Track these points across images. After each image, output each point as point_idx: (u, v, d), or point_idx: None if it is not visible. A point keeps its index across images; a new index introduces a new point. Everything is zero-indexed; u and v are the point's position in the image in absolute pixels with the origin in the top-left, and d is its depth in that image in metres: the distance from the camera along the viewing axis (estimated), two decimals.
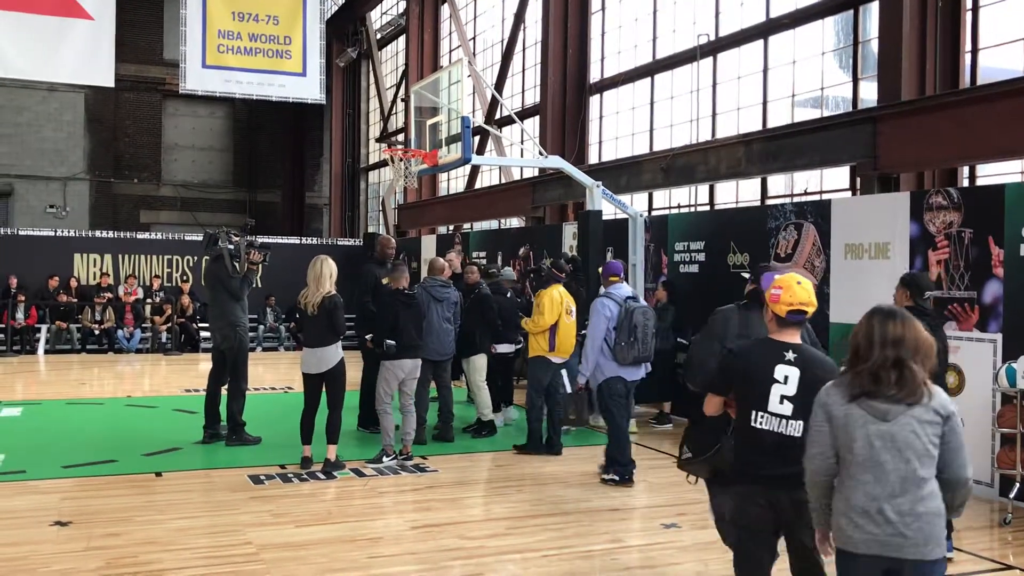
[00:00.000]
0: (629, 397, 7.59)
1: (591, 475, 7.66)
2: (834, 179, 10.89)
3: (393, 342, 7.76)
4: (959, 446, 3.23)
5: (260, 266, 8.91)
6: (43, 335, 17.40)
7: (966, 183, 9.27)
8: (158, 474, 7.54)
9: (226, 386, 8.89)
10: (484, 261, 14.91)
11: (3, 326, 17.14)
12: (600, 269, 8.47)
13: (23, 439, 8.93)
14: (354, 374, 9.12)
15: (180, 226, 29.26)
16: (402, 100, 21.82)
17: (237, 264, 8.74)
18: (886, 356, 3.26)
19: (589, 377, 7.51)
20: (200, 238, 8.99)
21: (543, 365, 8.37)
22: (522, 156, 17.60)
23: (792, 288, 3.91)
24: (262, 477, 7.46)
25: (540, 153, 12.37)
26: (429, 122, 11.11)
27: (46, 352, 17.21)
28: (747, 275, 5.66)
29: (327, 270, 7.64)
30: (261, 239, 9.37)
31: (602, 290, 7.81)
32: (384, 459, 7.87)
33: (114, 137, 30.47)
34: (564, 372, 8.64)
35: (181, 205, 31.55)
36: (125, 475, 7.50)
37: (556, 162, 11.56)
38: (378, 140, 24.77)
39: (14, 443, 8.70)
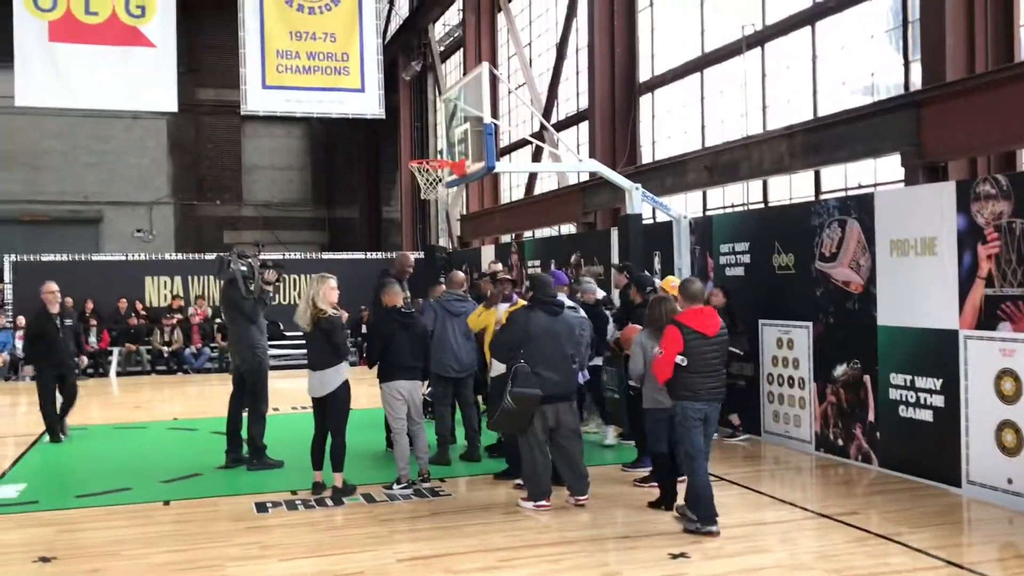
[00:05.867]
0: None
1: (605, 499, 7.20)
2: (887, 170, 10.12)
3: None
4: None
5: (274, 286, 8.76)
6: (115, 357, 17.81)
7: None
8: (166, 503, 7.42)
9: (247, 410, 8.77)
10: (538, 269, 14.55)
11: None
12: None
13: (51, 467, 9.00)
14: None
15: (265, 247, 29.73)
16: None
17: (251, 285, 8.61)
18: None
19: None
20: (214, 259, 8.89)
21: None
22: (580, 161, 17.13)
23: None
24: (268, 505, 7.25)
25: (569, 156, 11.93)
26: (457, 130, 10.82)
27: (118, 375, 17.59)
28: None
29: (321, 290, 7.35)
30: (273, 257, 9.24)
31: None
32: (395, 486, 7.55)
33: (196, 161, 31.25)
34: None
35: (263, 224, 32.12)
36: (133, 504, 7.39)
37: (592, 165, 11.11)
38: (440, 152, 24.66)
39: (41, 471, 8.77)
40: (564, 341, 6.98)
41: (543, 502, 6.97)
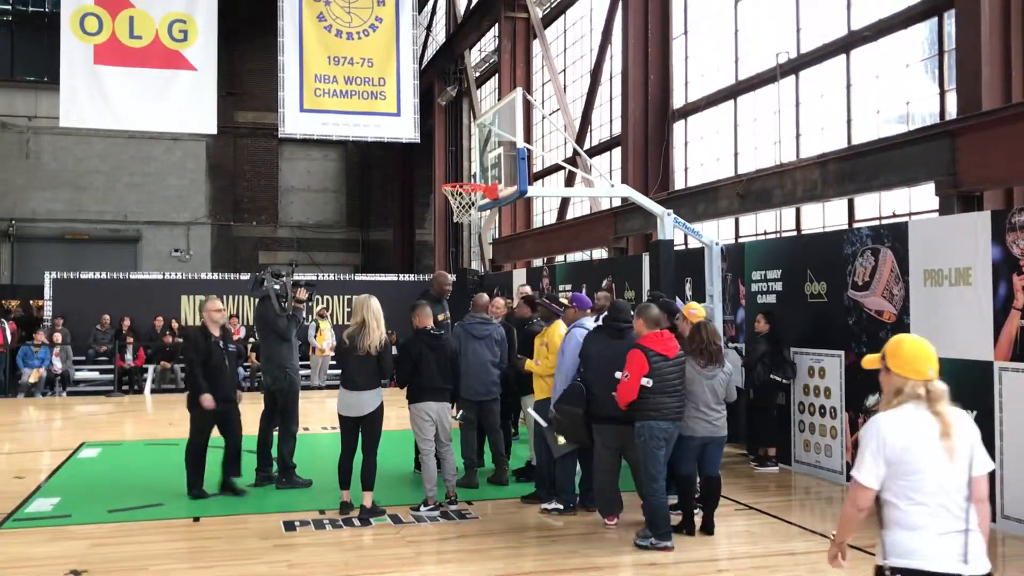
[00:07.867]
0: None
1: (636, 525, 7.16)
2: (922, 199, 10.05)
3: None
4: (732, 382, 7.14)
5: (306, 304, 8.86)
6: (150, 375, 18.04)
7: None
8: (196, 519, 7.49)
9: (277, 428, 8.85)
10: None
11: (113, 366, 17.90)
12: (573, 302, 8.15)
13: (85, 482, 9.10)
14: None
15: (298, 267, 30.03)
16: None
17: (284, 304, 8.72)
18: (714, 344, 6.94)
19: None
20: (248, 278, 8.98)
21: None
22: (612, 186, 17.17)
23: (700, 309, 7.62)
24: (296, 523, 7.30)
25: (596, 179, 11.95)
26: (490, 155, 10.89)
27: (152, 391, 17.80)
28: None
29: (380, 309, 7.50)
30: (306, 276, 9.34)
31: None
32: (422, 508, 7.58)
33: (233, 182, 31.71)
34: (531, 409, 8.17)
35: (298, 246, 32.50)
36: (164, 520, 7.48)
37: (624, 191, 11.11)
38: (473, 176, 24.82)
39: (75, 486, 8.88)
40: (619, 364, 6.86)
41: (607, 521, 7.25)
